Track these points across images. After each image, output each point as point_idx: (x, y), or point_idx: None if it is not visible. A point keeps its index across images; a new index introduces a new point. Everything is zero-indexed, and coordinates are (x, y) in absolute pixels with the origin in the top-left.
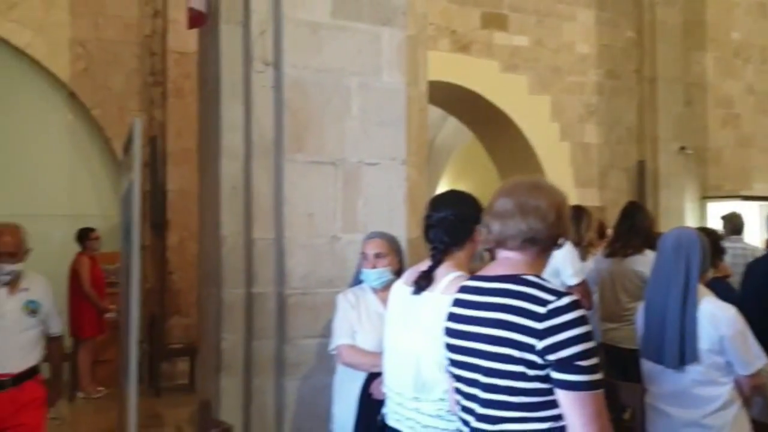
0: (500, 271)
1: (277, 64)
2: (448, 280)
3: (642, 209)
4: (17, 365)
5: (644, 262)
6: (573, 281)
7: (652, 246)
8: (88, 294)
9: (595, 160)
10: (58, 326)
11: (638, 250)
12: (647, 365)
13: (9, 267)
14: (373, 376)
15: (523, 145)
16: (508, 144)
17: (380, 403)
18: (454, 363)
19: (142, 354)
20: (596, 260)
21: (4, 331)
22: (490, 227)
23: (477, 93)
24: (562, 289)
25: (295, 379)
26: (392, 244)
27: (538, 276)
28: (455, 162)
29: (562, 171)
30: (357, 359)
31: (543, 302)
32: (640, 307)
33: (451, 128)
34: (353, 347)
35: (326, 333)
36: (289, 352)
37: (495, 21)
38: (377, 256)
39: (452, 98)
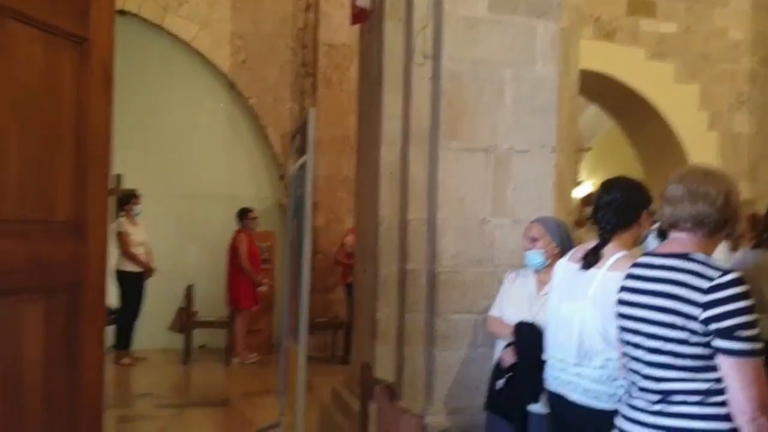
0: (671, 250)
1: (436, 57)
2: (615, 258)
3: None
4: None
5: None
6: None
7: None
8: (245, 268)
9: (746, 151)
10: None
11: None
12: None
13: None
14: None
15: (668, 135)
16: (653, 133)
17: (505, 371)
18: (624, 329)
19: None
20: (744, 252)
21: None
22: (663, 210)
23: (621, 81)
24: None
25: (444, 350)
26: (549, 229)
27: (706, 255)
28: (594, 149)
29: (709, 162)
30: (494, 328)
31: (708, 278)
32: None
33: (591, 116)
34: (496, 319)
35: (473, 309)
36: (438, 325)
37: (642, 7)
38: (532, 239)
39: (595, 86)
